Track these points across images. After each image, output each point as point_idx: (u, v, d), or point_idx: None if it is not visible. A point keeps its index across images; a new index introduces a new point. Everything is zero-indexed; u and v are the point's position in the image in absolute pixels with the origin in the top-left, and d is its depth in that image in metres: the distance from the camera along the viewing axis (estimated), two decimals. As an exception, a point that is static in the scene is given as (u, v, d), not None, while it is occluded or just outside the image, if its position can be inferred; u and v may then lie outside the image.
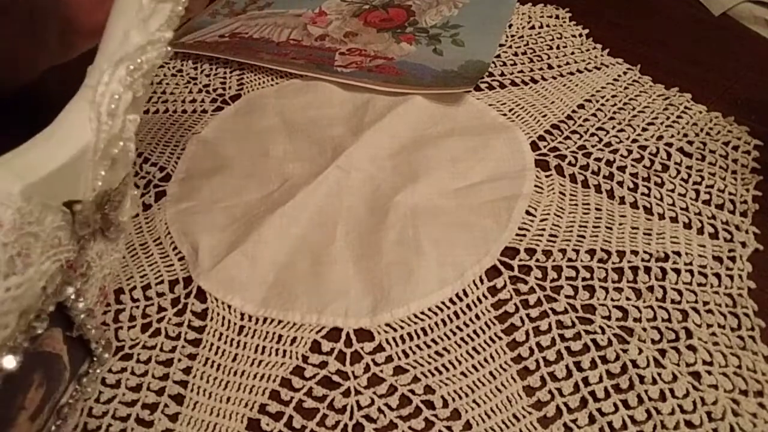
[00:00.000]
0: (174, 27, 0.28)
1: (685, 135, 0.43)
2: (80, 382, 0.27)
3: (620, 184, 0.41)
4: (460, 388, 0.32)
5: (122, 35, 0.27)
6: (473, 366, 0.33)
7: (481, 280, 0.36)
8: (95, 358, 0.27)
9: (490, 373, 0.32)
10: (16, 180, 0.23)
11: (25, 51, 0.41)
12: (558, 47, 0.52)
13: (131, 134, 0.27)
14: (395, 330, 0.34)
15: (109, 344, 0.27)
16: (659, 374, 0.31)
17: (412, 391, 0.32)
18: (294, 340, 0.35)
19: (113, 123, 0.26)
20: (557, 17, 0.55)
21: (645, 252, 0.36)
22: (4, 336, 0.22)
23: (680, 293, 0.35)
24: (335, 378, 0.33)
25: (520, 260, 0.37)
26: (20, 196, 0.23)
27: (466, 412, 0.31)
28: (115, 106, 0.26)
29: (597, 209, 0.39)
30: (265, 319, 0.36)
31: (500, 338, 0.34)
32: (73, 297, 0.25)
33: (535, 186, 0.41)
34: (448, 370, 0.33)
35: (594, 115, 0.46)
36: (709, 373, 0.31)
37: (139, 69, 0.27)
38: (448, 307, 0.35)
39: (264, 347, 0.35)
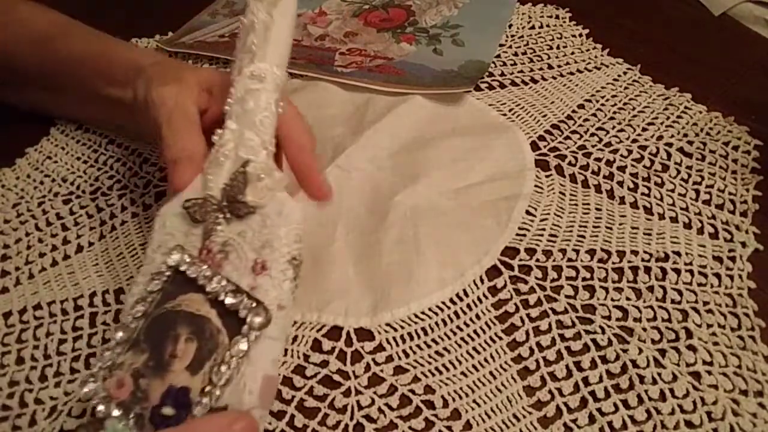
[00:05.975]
0: None
1: (685, 135, 0.43)
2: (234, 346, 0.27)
3: (620, 184, 0.41)
4: (460, 388, 0.32)
5: (289, 37, 0.33)
6: (473, 366, 0.33)
7: (482, 280, 0.36)
8: (246, 324, 0.27)
9: (491, 373, 0.32)
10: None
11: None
12: (558, 47, 0.52)
13: None
14: (395, 330, 0.34)
15: (260, 309, 0.27)
16: (659, 374, 0.31)
17: (412, 391, 0.32)
18: (295, 338, 0.35)
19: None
20: (557, 17, 0.55)
21: (645, 252, 0.36)
22: None
23: (680, 293, 0.35)
24: (336, 377, 0.33)
25: (520, 260, 0.37)
26: None
27: (466, 412, 0.31)
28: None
29: (597, 209, 0.39)
30: (265, 319, 0.36)
31: (500, 338, 0.34)
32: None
33: (535, 186, 0.41)
34: (448, 370, 0.33)
35: (594, 115, 0.46)
36: (709, 373, 0.31)
37: None
38: (449, 307, 0.35)
39: (264, 347, 0.35)
